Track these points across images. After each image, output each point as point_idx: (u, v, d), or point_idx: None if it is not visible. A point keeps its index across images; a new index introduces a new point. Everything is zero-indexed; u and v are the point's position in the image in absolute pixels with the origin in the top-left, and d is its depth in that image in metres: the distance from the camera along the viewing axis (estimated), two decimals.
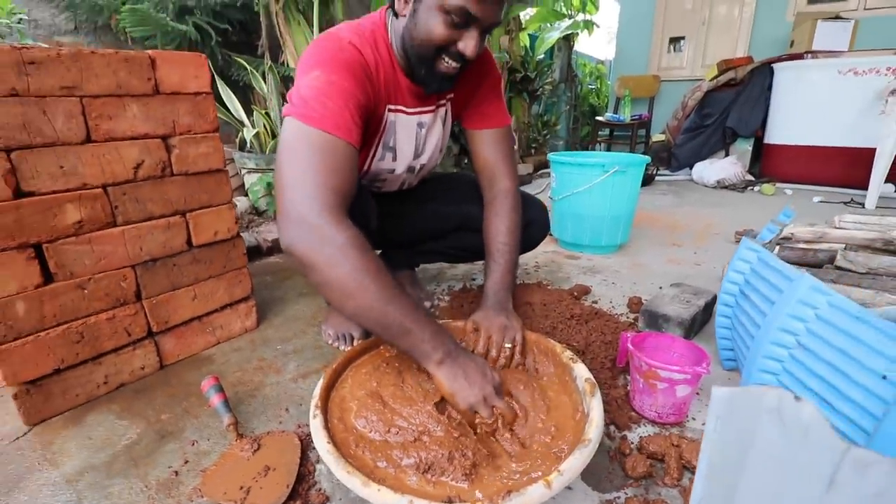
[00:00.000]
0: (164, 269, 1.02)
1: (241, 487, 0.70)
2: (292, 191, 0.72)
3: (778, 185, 3.32)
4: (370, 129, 0.94)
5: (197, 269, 1.09)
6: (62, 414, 0.92)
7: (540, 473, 0.61)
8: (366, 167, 1.04)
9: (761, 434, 0.40)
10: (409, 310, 0.72)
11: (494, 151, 1.06)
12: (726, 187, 3.37)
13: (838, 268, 1.39)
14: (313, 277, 0.71)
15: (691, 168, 3.74)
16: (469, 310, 1.29)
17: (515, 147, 3.87)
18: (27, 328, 0.85)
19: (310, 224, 0.70)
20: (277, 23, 2.28)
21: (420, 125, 1.02)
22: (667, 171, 3.96)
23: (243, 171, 2.20)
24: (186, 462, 0.79)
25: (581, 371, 0.78)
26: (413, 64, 0.87)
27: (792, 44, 3.68)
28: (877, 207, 2.66)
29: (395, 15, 0.86)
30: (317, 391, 0.75)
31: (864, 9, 3.65)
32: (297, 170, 0.73)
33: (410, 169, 1.09)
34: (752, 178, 3.50)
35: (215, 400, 0.85)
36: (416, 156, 1.07)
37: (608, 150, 4.62)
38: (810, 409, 0.37)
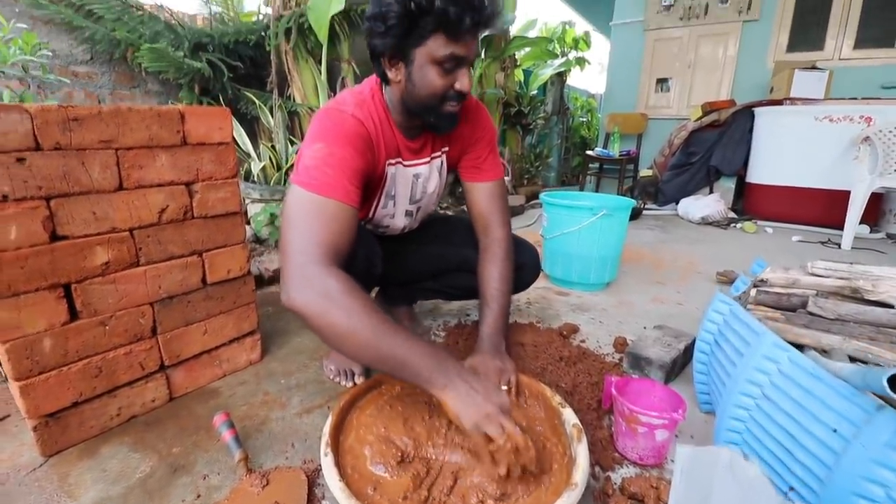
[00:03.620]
0: (180, 306, 1.09)
1: None
2: (289, 248, 0.80)
3: (759, 223, 3.47)
4: (373, 184, 1.05)
5: (209, 305, 1.15)
6: (76, 445, 0.96)
7: None
8: (371, 214, 1.13)
9: (718, 485, 0.48)
10: (403, 342, 0.73)
11: (489, 202, 1.16)
12: (710, 223, 3.51)
13: (810, 313, 1.49)
14: (310, 326, 0.76)
15: (677, 203, 3.89)
16: (464, 345, 1.37)
17: (508, 178, 4.00)
18: (51, 363, 0.90)
19: (301, 277, 0.76)
20: (286, 61, 2.39)
21: (416, 176, 1.12)
22: (654, 206, 4.10)
23: (247, 201, 2.28)
24: (199, 496, 0.83)
25: (569, 416, 0.85)
26: (421, 115, 0.97)
27: (772, 90, 3.89)
28: (852, 248, 2.80)
29: (387, 83, 0.96)
30: (326, 429, 0.81)
31: (839, 59, 3.88)
32: (294, 231, 0.82)
33: (409, 213, 1.19)
34: (735, 216, 3.65)
35: (227, 435, 0.91)
36: (413, 202, 1.17)
37: (598, 183, 4.78)
38: (755, 468, 0.45)
